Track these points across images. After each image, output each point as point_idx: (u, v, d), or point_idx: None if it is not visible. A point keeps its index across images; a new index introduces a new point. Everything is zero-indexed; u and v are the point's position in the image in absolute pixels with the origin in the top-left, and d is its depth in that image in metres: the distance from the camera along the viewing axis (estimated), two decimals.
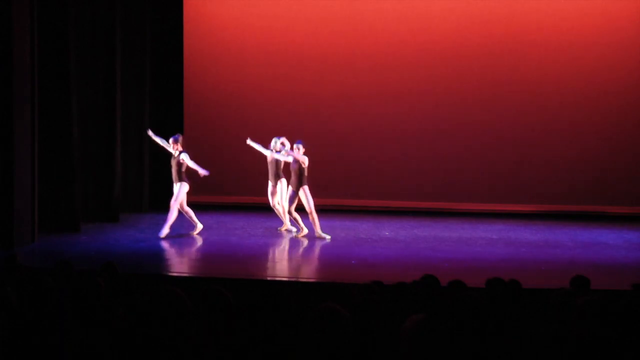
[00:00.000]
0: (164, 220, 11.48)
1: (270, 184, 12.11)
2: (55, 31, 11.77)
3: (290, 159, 11.64)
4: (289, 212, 11.64)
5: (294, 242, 11.48)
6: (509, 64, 14.46)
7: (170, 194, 11.68)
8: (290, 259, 10.83)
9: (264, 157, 12.19)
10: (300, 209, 11.60)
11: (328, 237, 11.57)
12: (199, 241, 11.55)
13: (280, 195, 12.00)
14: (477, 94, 14.54)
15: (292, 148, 11.61)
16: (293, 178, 11.52)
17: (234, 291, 4.18)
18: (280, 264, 10.66)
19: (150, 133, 12.21)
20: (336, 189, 14.63)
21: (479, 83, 14.54)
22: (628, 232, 12.82)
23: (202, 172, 11.42)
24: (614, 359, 3.81)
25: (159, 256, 10.54)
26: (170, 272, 9.77)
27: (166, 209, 11.62)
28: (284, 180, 11.98)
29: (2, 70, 10.43)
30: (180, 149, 11.59)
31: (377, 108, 14.71)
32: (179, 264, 10.37)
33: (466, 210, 14.38)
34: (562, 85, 14.43)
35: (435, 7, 14.59)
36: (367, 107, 14.72)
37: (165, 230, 11.46)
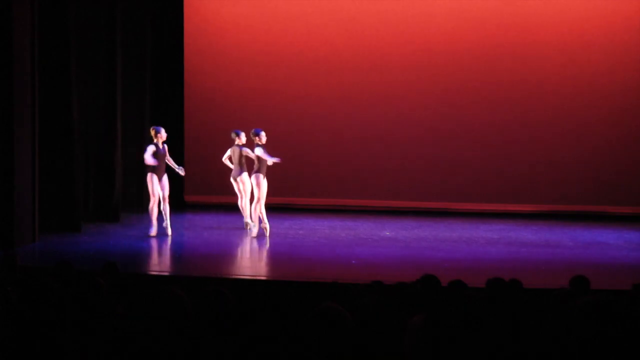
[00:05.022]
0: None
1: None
2: (55, 31, 11.77)
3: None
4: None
5: (295, 243, 11.48)
6: (509, 64, 14.45)
7: (170, 194, 11.67)
8: (290, 259, 10.82)
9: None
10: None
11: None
12: (200, 241, 11.55)
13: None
14: (478, 94, 14.54)
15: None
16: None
17: (234, 291, 4.19)
18: (282, 264, 10.65)
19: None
20: (336, 189, 14.62)
21: (480, 83, 14.53)
22: (628, 232, 12.81)
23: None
24: (614, 359, 3.81)
25: (159, 256, 10.53)
26: (170, 272, 9.76)
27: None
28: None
29: (2, 70, 10.43)
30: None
31: (377, 108, 14.70)
32: (180, 264, 10.36)
33: (466, 210, 14.37)
34: (562, 85, 14.43)
35: (436, 8, 14.58)
36: (368, 107, 14.71)
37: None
